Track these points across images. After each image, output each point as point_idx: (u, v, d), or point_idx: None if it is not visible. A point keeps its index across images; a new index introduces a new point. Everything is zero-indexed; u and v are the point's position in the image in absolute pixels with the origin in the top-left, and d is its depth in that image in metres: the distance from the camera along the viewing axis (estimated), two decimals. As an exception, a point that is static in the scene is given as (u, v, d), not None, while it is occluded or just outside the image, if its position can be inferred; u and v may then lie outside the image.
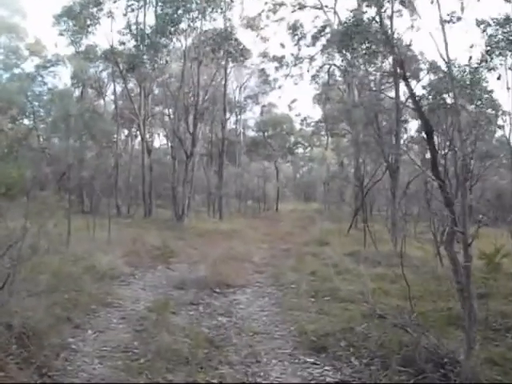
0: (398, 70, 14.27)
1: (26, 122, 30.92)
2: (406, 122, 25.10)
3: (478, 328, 5.03)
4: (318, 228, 21.22)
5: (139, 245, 13.63)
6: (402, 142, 22.52)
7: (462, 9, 12.29)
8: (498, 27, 14.12)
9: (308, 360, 5.48)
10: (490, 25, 14.18)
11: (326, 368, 5.23)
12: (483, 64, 14.46)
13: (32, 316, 5.39)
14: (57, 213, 11.86)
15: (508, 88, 17.80)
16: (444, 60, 5.01)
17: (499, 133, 22.40)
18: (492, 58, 14.50)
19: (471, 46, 15.06)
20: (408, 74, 10.15)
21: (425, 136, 7.17)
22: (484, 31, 14.15)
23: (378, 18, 14.25)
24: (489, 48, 14.30)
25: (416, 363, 4.77)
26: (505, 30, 14.27)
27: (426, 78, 20.40)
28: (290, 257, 14.00)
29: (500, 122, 20.63)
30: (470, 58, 14.58)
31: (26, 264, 7.26)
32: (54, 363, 4.90)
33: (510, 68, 16.18)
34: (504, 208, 19.85)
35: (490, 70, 14.97)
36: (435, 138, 7.02)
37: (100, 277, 9.13)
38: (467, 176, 4.57)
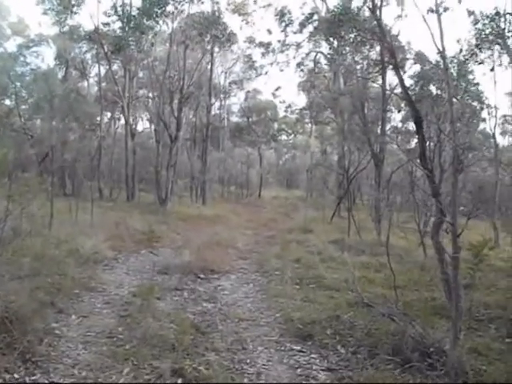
0: (388, 59, 14.27)
1: (7, 102, 30.35)
2: (391, 111, 25.19)
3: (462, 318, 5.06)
4: (301, 215, 21.22)
5: (122, 229, 13.52)
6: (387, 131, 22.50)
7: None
8: (487, 21, 14.11)
9: (294, 347, 5.48)
10: (478, 19, 14.17)
11: (313, 356, 5.23)
12: (473, 57, 14.48)
13: (15, 300, 5.29)
14: (39, 195, 11.68)
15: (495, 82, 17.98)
16: (438, 49, 4.98)
17: (481, 126, 22.60)
18: (481, 51, 14.55)
19: (458, 41, 15.15)
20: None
21: (414, 126, 7.17)
22: (475, 24, 14.14)
23: (369, 6, 14.12)
24: (478, 42, 14.32)
25: (403, 352, 4.79)
26: (493, 25, 14.27)
27: (409, 68, 20.60)
28: (273, 243, 14.02)
29: (484, 115, 20.83)
30: (461, 50, 14.61)
31: (8, 247, 7.17)
32: (38, 348, 4.83)
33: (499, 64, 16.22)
34: (485, 200, 20.06)
35: (479, 63, 15.03)
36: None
37: (83, 261, 9.05)
38: (459, 167, 4.55)
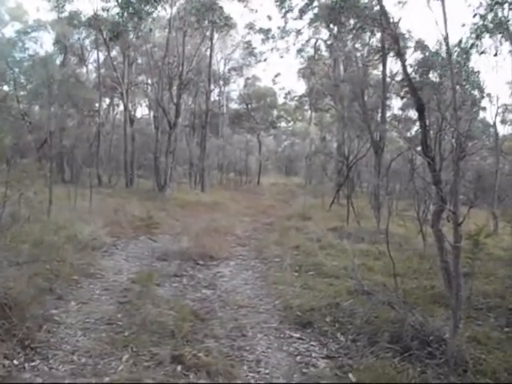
0: (390, 46, 14.18)
1: (5, 88, 30.13)
2: (391, 98, 25.16)
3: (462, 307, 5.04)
4: (300, 202, 21.23)
5: (121, 215, 13.51)
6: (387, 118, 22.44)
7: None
8: (488, 9, 13.93)
9: (294, 335, 5.47)
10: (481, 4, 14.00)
11: (312, 343, 5.22)
12: (474, 47, 14.35)
13: (13, 287, 5.27)
14: (37, 181, 11.65)
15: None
16: (442, 34, 4.93)
17: (481, 115, 22.59)
18: (481, 42, 14.42)
19: (463, 25, 15.02)
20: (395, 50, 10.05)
21: (416, 113, 7.13)
22: (474, 16, 13.99)
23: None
24: (478, 32, 14.17)
25: (402, 340, 4.79)
26: (493, 14, 14.11)
27: (410, 56, 20.52)
28: (272, 230, 14.00)
29: (484, 104, 20.82)
30: (460, 42, 14.48)
31: (6, 233, 7.15)
32: (37, 335, 4.83)
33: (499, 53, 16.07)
34: (485, 189, 20.05)
35: (480, 53, 14.92)
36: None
37: (82, 247, 9.01)
38: (461, 155, 4.51)
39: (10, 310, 4.84)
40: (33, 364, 4.32)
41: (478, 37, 14.41)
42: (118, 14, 22.47)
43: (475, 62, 15.68)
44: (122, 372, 4.25)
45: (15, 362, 4.28)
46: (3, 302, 4.89)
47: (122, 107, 32.80)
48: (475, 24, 14.11)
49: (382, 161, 18.80)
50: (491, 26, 14.20)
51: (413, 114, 24.53)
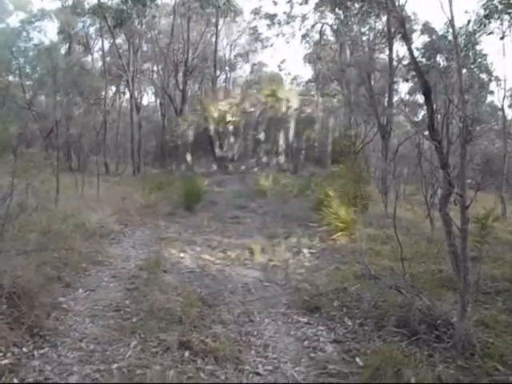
0: (397, 29, 14.04)
1: (11, 78, 30.05)
2: (397, 83, 24.99)
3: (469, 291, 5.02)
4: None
5: (128, 202, 13.53)
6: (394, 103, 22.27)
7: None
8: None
9: (301, 320, 5.47)
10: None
11: (320, 328, 5.22)
12: (481, 27, 14.20)
13: (22, 275, 5.27)
14: (44, 170, 11.67)
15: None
16: (447, 17, 4.87)
17: (489, 98, 22.50)
18: (490, 22, 14.24)
19: (466, 11, 14.90)
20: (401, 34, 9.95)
21: (422, 97, 7.06)
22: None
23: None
24: (487, 12, 14.00)
25: (410, 324, 4.78)
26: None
27: (416, 39, 20.42)
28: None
29: (492, 87, 20.74)
30: (469, 22, 14.34)
31: (14, 222, 7.17)
32: (46, 323, 4.85)
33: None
34: (493, 173, 19.95)
35: (488, 34, 14.76)
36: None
37: (90, 235, 9.05)
38: (467, 138, 4.46)
39: (19, 298, 4.86)
40: (42, 351, 4.34)
41: (487, 16, 14.25)
42: (121, 1, 22.50)
43: (482, 45, 15.49)
44: (130, 358, 4.27)
45: (24, 349, 4.30)
46: (12, 290, 4.90)
47: (128, 95, 32.76)
48: (483, 5, 13.96)
49: (389, 145, 18.67)
50: (499, 7, 14.04)
51: (420, 97, 24.39)
